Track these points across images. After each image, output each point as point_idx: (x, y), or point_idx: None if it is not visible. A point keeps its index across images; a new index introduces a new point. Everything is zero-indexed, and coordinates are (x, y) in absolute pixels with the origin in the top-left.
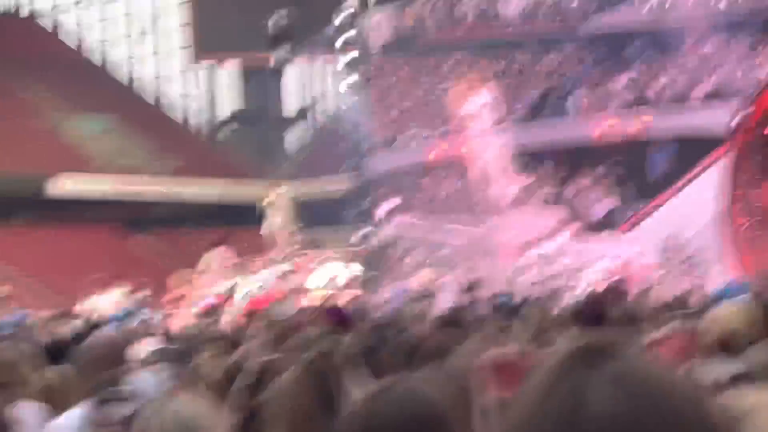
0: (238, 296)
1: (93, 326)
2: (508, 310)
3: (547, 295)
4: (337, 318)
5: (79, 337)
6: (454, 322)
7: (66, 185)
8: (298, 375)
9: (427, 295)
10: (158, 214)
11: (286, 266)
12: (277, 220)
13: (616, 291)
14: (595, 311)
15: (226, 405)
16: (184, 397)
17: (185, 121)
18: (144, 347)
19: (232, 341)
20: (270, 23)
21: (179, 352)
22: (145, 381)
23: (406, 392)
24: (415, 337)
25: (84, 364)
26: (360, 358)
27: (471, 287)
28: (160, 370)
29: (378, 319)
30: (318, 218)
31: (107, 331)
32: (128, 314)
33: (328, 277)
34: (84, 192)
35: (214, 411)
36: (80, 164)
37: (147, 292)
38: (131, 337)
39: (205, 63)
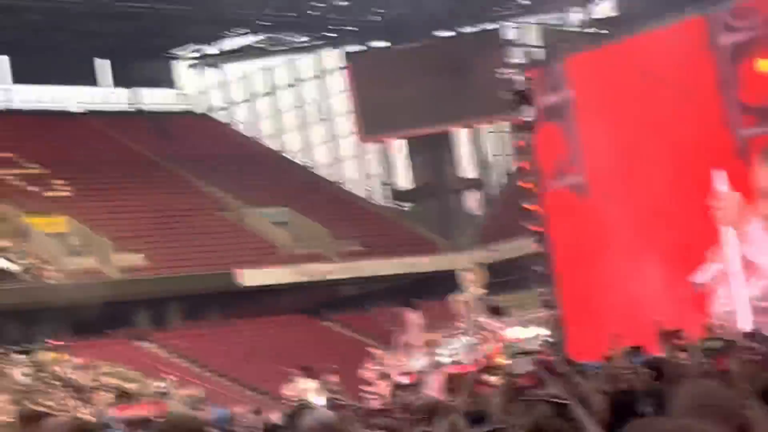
0: (437, 366)
1: (302, 408)
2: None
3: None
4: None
5: (290, 420)
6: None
7: (255, 277)
8: None
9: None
10: (347, 296)
11: (478, 335)
12: (471, 289)
13: None
14: None
15: None
16: None
17: (364, 200)
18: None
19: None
20: (513, 87)
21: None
22: None
23: None
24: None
25: None
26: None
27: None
28: None
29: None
30: (502, 283)
31: (320, 412)
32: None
33: (517, 341)
34: (273, 281)
35: None
36: (267, 254)
37: (338, 380)
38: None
39: (374, 142)
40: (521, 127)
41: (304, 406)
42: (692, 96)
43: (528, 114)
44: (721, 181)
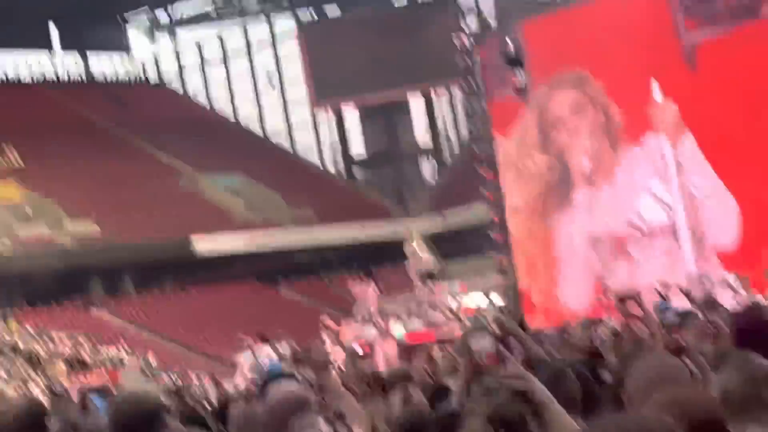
0: (394, 334)
1: (264, 383)
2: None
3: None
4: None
5: (260, 391)
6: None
7: (209, 244)
8: (483, 424)
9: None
10: (301, 263)
11: (432, 303)
12: (420, 256)
13: None
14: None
15: None
16: None
17: (318, 167)
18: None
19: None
20: (505, 51)
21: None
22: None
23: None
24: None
25: (271, 419)
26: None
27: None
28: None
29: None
30: (456, 250)
31: (285, 385)
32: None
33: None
34: (227, 249)
35: None
36: (221, 222)
37: (291, 344)
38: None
39: (327, 109)
40: (473, 93)
41: (274, 377)
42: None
43: (521, 78)
44: (657, 91)
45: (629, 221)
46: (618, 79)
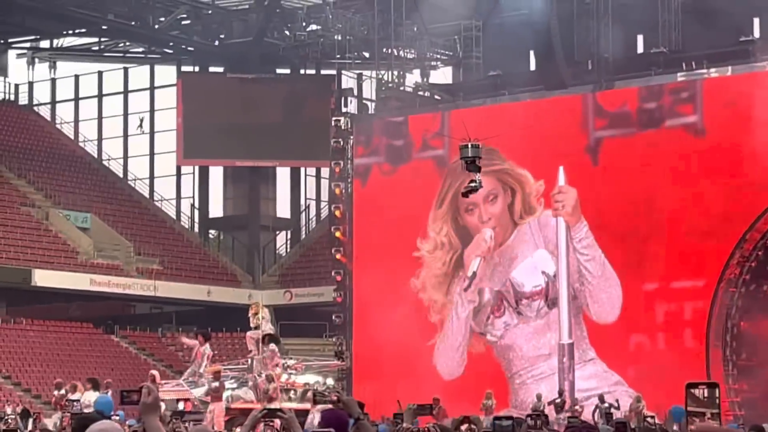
0: (222, 398)
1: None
2: None
3: None
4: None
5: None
6: None
7: (48, 278)
8: None
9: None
10: (140, 313)
11: (265, 372)
12: (260, 326)
13: None
14: None
15: None
16: None
17: (173, 220)
18: None
19: None
20: (464, 149)
21: None
22: None
23: None
24: None
25: None
26: None
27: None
28: None
29: None
30: (297, 328)
31: (107, 424)
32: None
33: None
34: (65, 286)
35: None
36: (66, 259)
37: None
38: None
39: (193, 164)
40: (341, 176)
41: (88, 417)
42: None
43: (477, 181)
44: (562, 175)
45: (508, 282)
46: (528, 161)
